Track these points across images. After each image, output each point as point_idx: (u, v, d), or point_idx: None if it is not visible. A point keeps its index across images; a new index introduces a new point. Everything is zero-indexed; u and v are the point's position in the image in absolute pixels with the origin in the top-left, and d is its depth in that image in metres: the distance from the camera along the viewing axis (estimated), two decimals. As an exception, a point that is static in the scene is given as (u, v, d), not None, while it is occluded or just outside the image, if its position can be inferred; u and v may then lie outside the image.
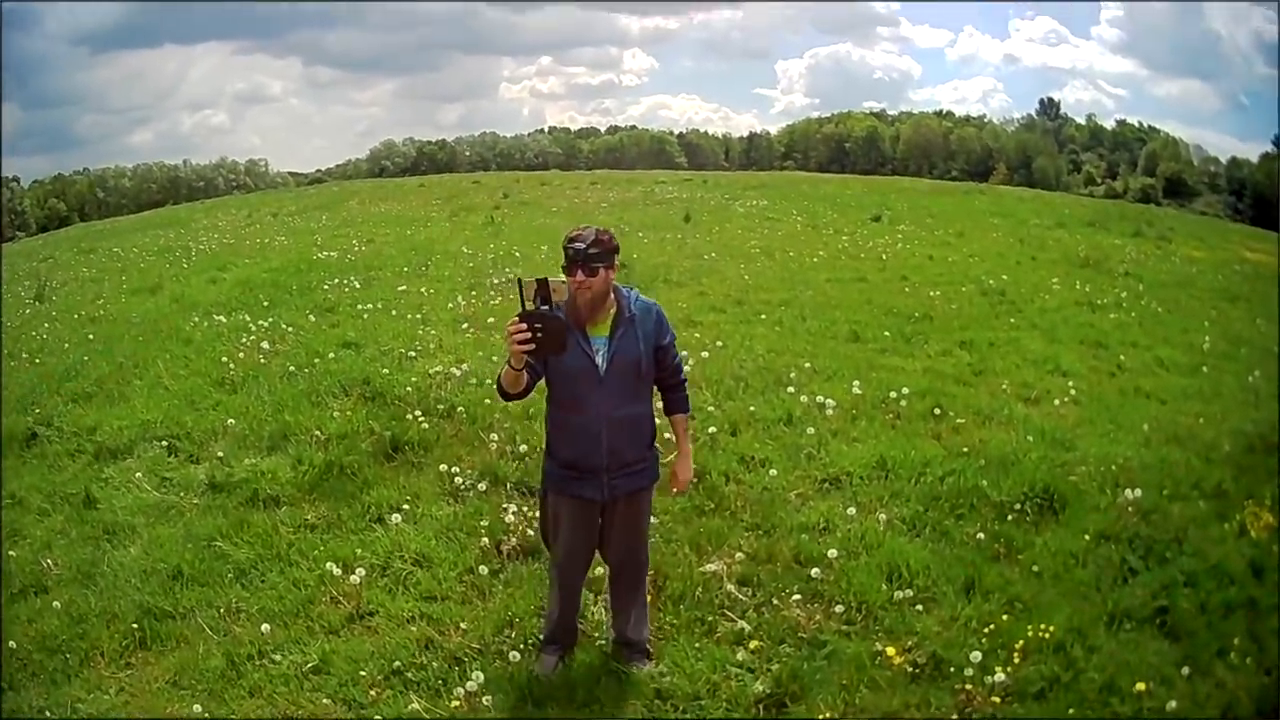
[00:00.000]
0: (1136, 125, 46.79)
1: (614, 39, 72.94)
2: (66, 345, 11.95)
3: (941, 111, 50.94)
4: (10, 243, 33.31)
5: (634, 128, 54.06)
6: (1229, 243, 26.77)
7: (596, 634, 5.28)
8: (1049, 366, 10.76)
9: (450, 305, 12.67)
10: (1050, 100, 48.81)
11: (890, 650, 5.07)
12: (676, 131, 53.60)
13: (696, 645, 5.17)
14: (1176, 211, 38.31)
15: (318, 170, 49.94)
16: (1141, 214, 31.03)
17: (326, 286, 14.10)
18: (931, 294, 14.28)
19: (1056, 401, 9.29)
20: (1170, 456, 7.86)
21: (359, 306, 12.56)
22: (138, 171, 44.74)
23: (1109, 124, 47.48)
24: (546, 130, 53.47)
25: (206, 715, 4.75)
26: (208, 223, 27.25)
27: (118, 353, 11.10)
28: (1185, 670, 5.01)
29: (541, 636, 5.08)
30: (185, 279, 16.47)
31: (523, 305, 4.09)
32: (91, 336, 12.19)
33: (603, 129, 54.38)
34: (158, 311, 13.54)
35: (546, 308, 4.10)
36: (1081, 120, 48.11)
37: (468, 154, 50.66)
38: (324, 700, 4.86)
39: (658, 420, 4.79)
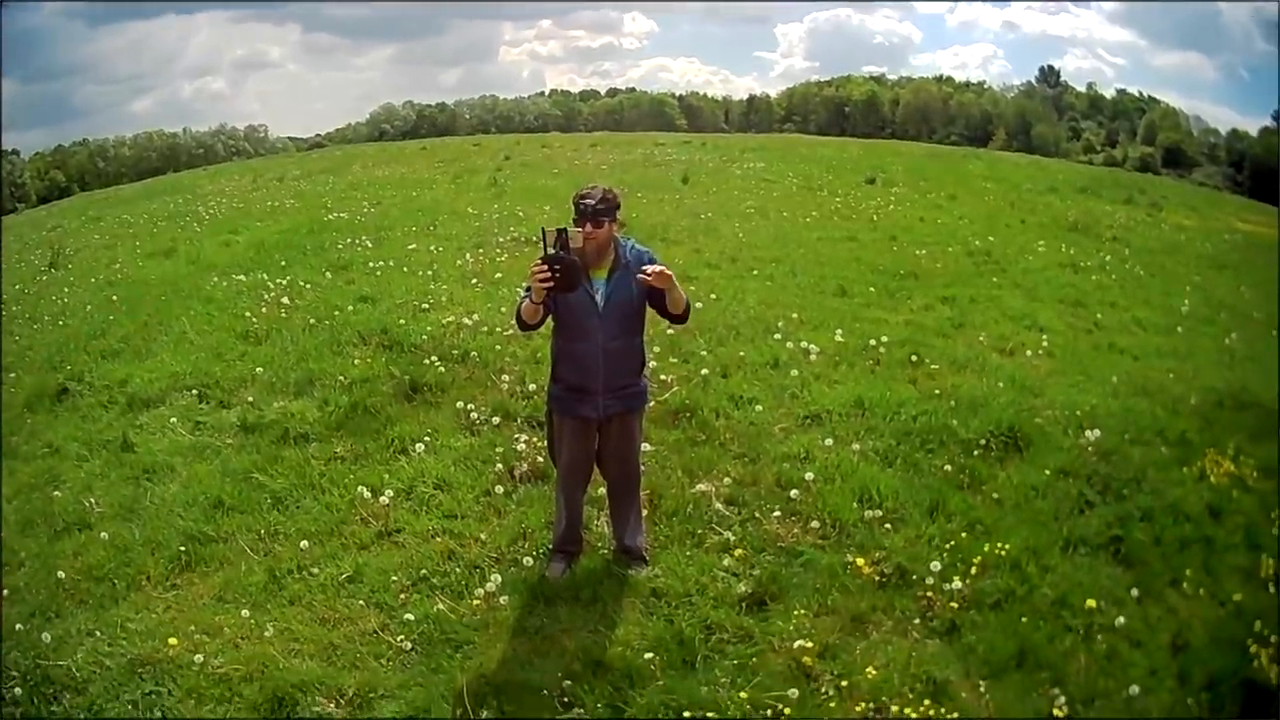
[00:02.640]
0: (1136, 95, 45.86)
1: (614, 2, 72.40)
2: (89, 307, 12.12)
3: (941, 77, 49.86)
4: (12, 214, 33.22)
5: (634, 90, 53.33)
6: (1222, 212, 26.59)
7: (600, 544, 5.89)
8: (1026, 322, 11.04)
9: (459, 262, 12.95)
10: (1050, 67, 47.71)
11: (860, 561, 5.65)
12: (676, 94, 52.86)
13: (688, 553, 5.79)
14: (1173, 181, 37.90)
15: (317, 135, 48.98)
16: (1135, 182, 30.65)
17: (340, 246, 14.29)
18: (918, 253, 14.45)
19: (1029, 353, 9.62)
20: (1136, 406, 8.27)
21: (372, 264, 12.81)
22: (137, 140, 44.14)
23: (1109, 93, 46.61)
24: (546, 93, 52.78)
25: (253, 621, 5.32)
26: (213, 188, 26.87)
27: (141, 312, 11.37)
28: (1135, 593, 5.53)
29: (551, 545, 5.74)
30: (199, 242, 16.51)
31: (544, 250, 4.84)
32: (114, 298, 12.34)
33: (603, 91, 53.65)
34: (175, 273, 13.71)
35: (565, 253, 4.84)
36: (1081, 88, 47.54)
37: (467, 117, 49.91)
38: (359, 604, 5.46)
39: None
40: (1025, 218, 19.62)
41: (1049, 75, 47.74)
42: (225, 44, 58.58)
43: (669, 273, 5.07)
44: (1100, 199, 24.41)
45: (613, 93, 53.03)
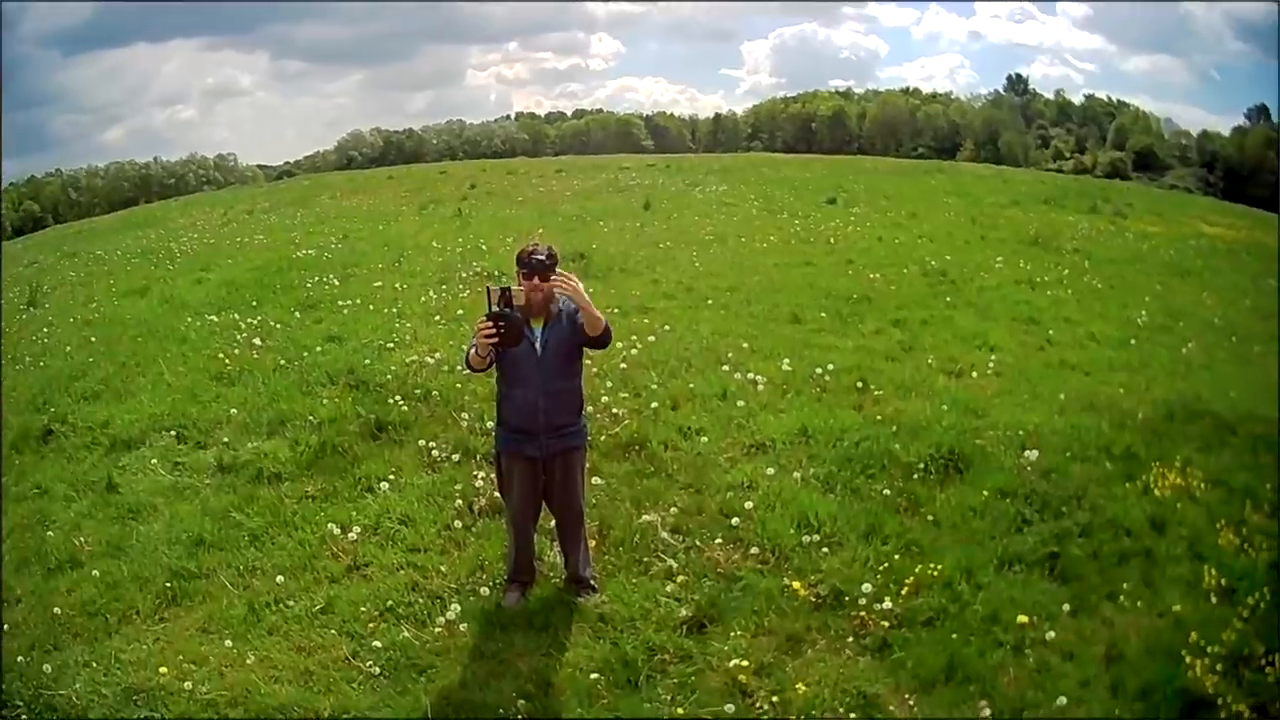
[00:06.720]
0: (1105, 99, 45.82)
1: (581, 23, 72.72)
2: (68, 348, 12.34)
3: (908, 89, 49.91)
4: (-11, 248, 33.07)
5: (601, 111, 53.24)
6: (1188, 217, 26.81)
7: (552, 574, 6.25)
8: (977, 342, 11.34)
9: (423, 299, 13.24)
10: (1018, 76, 47.54)
11: (797, 584, 5.99)
12: (643, 114, 52.92)
13: (634, 580, 6.14)
14: (1141, 186, 37.43)
15: (286, 162, 48.77)
16: (1101, 190, 30.95)
17: (308, 285, 14.56)
18: (873, 276, 14.74)
19: (976, 374, 9.91)
20: (1082, 423, 8.52)
21: (339, 303, 13.13)
22: (110, 171, 44.09)
23: (1077, 99, 46.81)
24: (513, 116, 52.66)
25: (235, 651, 5.67)
26: (185, 222, 27.27)
27: (119, 353, 11.66)
28: (1069, 607, 5.77)
29: (506, 576, 6.11)
30: (172, 280, 16.76)
31: (489, 307, 5.29)
32: (92, 339, 12.61)
33: (569, 113, 53.64)
34: (150, 313, 13.97)
35: (509, 309, 5.29)
36: (1049, 95, 47.68)
37: (435, 142, 49.85)
38: (331, 633, 5.81)
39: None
40: (986, 233, 19.95)
41: (1016, 83, 47.90)
42: (195, 72, 58.73)
43: (578, 286, 5.43)
44: (1064, 209, 24.75)
45: (579, 114, 53.02)
